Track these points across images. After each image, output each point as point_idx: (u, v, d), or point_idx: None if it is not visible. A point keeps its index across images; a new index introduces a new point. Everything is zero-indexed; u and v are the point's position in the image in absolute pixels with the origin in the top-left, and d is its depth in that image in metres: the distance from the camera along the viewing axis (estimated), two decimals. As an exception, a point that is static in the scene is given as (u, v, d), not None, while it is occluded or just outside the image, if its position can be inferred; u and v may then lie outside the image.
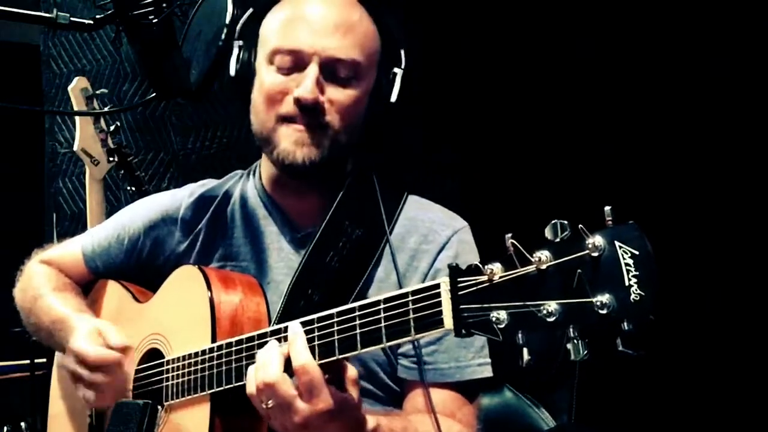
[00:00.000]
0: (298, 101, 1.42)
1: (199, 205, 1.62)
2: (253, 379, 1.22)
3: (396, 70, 1.51)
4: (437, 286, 1.08)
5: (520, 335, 0.97)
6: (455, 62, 2.85)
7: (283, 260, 1.53)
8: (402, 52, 1.52)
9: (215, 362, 1.35)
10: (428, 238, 1.50)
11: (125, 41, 1.36)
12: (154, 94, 1.43)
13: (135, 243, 1.64)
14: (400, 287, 1.39)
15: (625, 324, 0.90)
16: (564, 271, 0.93)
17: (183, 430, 1.41)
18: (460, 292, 1.03)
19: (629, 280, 0.89)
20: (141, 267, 1.64)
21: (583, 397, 2.12)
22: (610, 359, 0.94)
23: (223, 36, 1.47)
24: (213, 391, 1.35)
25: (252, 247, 1.56)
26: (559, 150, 2.73)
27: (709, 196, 2.50)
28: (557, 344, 0.94)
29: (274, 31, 1.48)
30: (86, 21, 1.36)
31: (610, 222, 0.92)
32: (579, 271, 0.92)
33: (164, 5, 1.31)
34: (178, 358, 1.43)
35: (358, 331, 1.16)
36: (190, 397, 1.40)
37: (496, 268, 0.99)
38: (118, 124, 2.51)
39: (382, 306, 1.14)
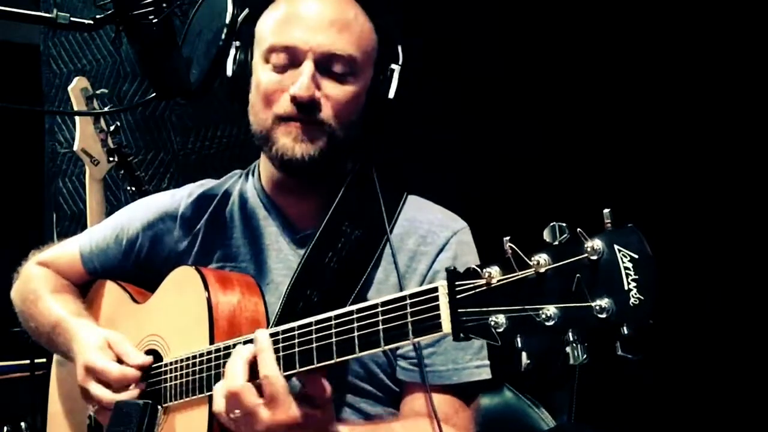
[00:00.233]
0: (294, 99, 1.41)
1: (198, 204, 1.61)
2: (220, 392, 1.25)
3: (393, 66, 1.50)
4: (435, 289, 1.07)
5: (518, 339, 0.96)
6: (455, 62, 2.84)
7: (282, 261, 1.52)
8: (399, 49, 1.52)
9: (213, 364, 1.35)
10: (427, 240, 1.49)
11: (125, 41, 1.35)
12: (154, 94, 1.43)
13: (133, 243, 1.63)
14: (401, 289, 1.39)
15: (625, 328, 0.89)
16: (563, 274, 0.93)
17: (182, 432, 1.41)
18: (458, 296, 1.02)
19: (628, 284, 0.89)
20: (140, 267, 1.64)
21: (583, 397, 2.12)
22: (609, 362, 0.94)
23: (223, 36, 1.47)
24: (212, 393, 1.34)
25: (251, 248, 1.55)
26: (560, 151, 2.73)
27: (709, 199, 2.49)
28: (556, 348, 0.94)
29: (269, 29, 1.48)
30: (86, 21, 1.35)
31: (609, 225, 0.91)
32: (578, 275, 0.91)
33: (164, 5, 1.31)
34: (177, 360, 1.43)
35: (356, 334, 1.16)
36: (188, 399, 1.40)
37: (495, 272, 0.98)
38: (118, 124, 2.50)
39: (380, 309, 1.14)
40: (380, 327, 1.13)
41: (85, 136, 2.46)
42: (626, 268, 0.89)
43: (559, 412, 2.09)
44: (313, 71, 1.42)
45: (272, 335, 1.25)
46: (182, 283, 1.49)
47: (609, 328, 0.90)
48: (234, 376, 1.24)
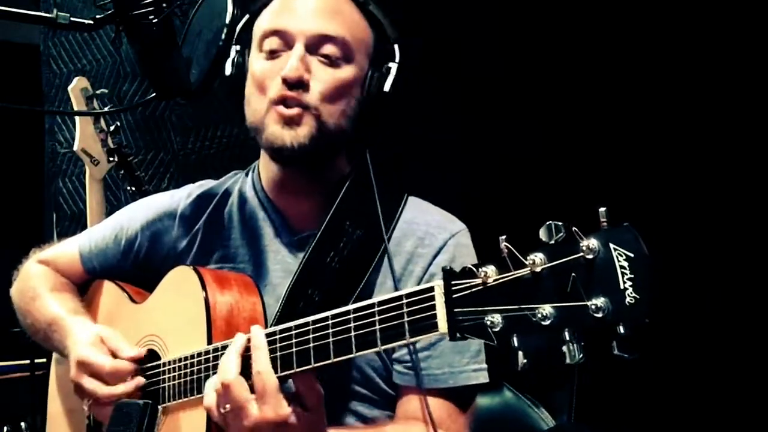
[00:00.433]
0: (284, 80, 1.41)
1: (197, 204, 1.62)
2: (211, 386, 1.26)
3: (391, 64, 1.50)
4: (431, 289, 1.07)
5: (515, 339, 0.96)
6: (454, 61, 2.85)
7: (280, 263, 1.52)
8: (396, 47, 1.51)
9: (211, 364, 1.35)
10: (425, 242, 1.48)
11: (125, 41, 1.35)
12: (154, 94, 1.43)
13: (132, 243, 1.64)
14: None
15: (621, 327, 0.88)
16: (558, 273, 0.92)
17: (180, 432, 1.41)
18: (454, 296, 1.02)
19: (624, 283, 0.88)
20: (139, 267, 1.64)
21: (582, 397, 2.11)
22: (606, 362, 0.94)
23: (223, 36, 1.47)
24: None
25: (249, 249, 1.55)
26: (558, 151, 2.73)
27: (705, 197, 2.49)
28: (553, 347, 0.94)
29: (264, 20, 1.50)
30: (86, 21, 1.35)
31: (604, 224, 0.91)
32: (573, 274, 0.91)
33: (164, 5, 1.31)
34: (175, 360, 1.43)
35: (353, 334, 1.16)
36: (186, 399, 1.40)
37: (491, 271, 0.98)
38: (118, 124, 2.51)
39: (376, 309, 1.13)
40: (377, 327, 1.13)
41: (85, 136, 2.46)
42: (622, 267, 0.88)
43: (559, 412, 2.09)
44: (302, 53, 1.42)
45: (270, 335, 1.25)
46: (180, 283, 1.49)
47: (605, 328, 0.89)
48: (227, 369, 1.25)
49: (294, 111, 1.42)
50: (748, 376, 2.43)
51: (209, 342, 1.38)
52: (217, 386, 1.25)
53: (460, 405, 1.43)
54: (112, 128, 2.47)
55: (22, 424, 2.62)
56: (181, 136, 2.99)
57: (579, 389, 2.16)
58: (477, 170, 2.81)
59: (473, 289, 1.00)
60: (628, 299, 0.88)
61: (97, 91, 2.49)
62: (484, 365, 1.43)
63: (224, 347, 1.33)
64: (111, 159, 2.47)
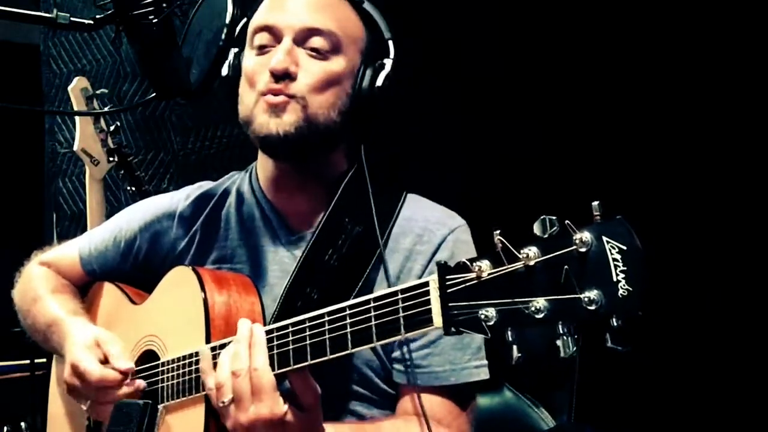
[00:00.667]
0: (271, 73, 1.42)
1: (196, 204, 1.62)
2: (225, 365, 1.25)
3: (385, 60, 1.50)
4: (426, 284, 1.07)
5: (509, 332, 0.96)
6: (453, 60, 2.85)
7: (278, 263, 1.52)
8: (390, 44, 1.51)
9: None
10: (423, 239, 1.48)
11: (125, 41, 1.36)
12: (154, 94, 1.43)
13: (131, 245, 1.64)
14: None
15: (614, 320, 0.89)
16: (552, 267, 0.93)
17: None
18: (448, 290, 1.02)
19: (617, 275, 0.89)
20: (138, 268, 1.64)
21: (582, 397, 2.11)
22: (604, 357, 0.94)
23: (223, 36, 1.47)
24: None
25: (247, 249, 1.55)
26: (554, 147, 2.74)
27: (697, 190, 2.50)
28: (547, 341, 0.94)
29: (255, 17, 1.50)
30: (86, 21, 1.35)
31: (597, 217, 0.91)
32: (566, 267, 0.91)
33: (164, 5, 1.31)
34: (173, 360, 1.43)
35: (348, 330, 1.16)
36: (185, 398, 1.40)
37: (485, 265, 0.98)
38: (118, 124, 2.51)
39: (372, 305, 1.14)
40: (373, 323, 1.13)
41: (85, 136, 2.47)
42: (615, 260, 0.89)
43: (559, 412, 2.09)
44: (290, 46, 1.43)
45: (267, 332, 1.26)
46: (179, 284, 1.49)
47: (598, 320, 0.90)
48: (240, 357, 1.24)
49: (279, 99, 1.42)
50: (748, 375, 2.43)
51: (208, 342, 1.37)
52: (224, 375, 1.25)
53: (461, 403, 1.42)
54: (112, 128, 2.47)
55: (22, 424, 2.62)
56: (181, 136, 2.99)
57: (579, 389, 2.15)
58: (475, 168, 2.82)
59: (467, 284, 1.00)
60: (620, 291, 0.89)
61: (97, 91, 2.49)
62: (485, 362, 1.43)
63: (222, 346, 1.32)
64: (111, 159, 2.47)
